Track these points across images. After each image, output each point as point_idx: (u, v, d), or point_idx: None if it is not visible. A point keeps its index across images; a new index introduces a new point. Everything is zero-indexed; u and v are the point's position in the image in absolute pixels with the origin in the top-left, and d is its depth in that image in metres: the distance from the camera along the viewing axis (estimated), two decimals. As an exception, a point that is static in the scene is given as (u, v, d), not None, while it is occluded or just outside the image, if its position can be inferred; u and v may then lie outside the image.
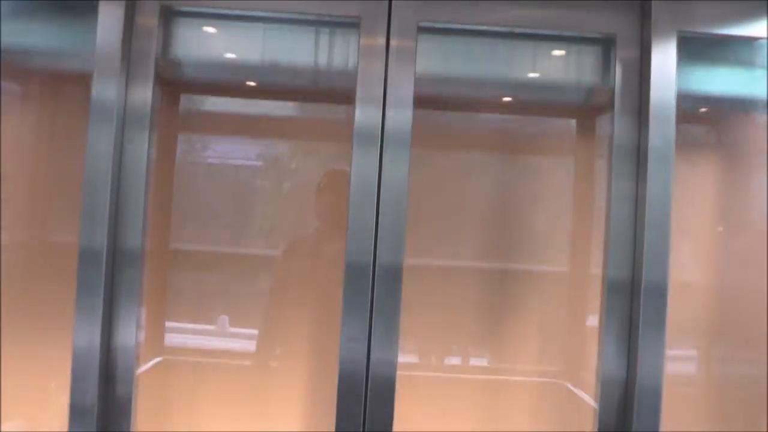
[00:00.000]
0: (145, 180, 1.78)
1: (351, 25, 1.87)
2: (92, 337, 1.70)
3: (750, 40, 1.90)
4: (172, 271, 1.97)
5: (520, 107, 2.05)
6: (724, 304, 1.96)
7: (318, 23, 1.94)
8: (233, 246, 1.99)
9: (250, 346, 1.98)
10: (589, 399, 1.90)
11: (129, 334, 1.76)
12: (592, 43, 1.99)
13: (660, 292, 1.74)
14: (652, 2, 1.79)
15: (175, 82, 2.02)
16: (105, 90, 1.72)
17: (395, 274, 1.75)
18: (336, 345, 1.74)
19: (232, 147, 2.05)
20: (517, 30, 1.92)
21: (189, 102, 2.08)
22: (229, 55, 1.97)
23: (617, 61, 1.84)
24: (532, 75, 2.04)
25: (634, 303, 1.78)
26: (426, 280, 1.95)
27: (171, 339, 1.97)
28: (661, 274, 1.74)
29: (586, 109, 2.09)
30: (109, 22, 1.72)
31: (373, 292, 1.74)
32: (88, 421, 1.69)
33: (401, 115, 1.77)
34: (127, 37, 1.76)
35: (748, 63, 1.95)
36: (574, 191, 2.03)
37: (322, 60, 1.98)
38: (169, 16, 1.89)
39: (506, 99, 2.07)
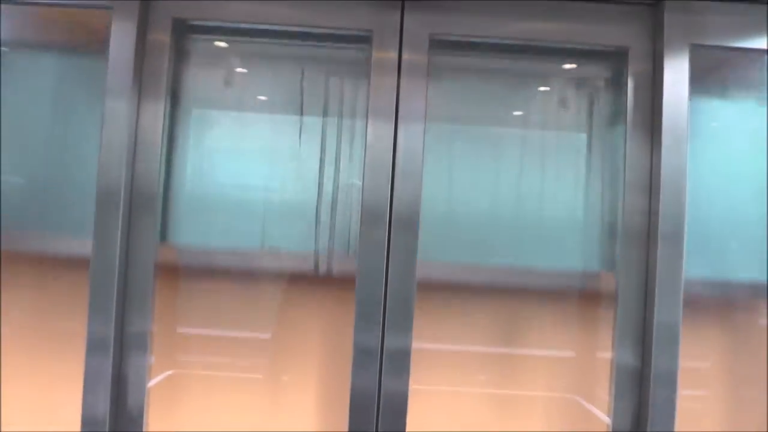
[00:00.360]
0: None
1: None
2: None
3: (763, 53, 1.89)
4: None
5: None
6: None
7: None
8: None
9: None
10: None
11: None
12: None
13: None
14: (665, 15, 1.78)
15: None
16: (117, 107, 1.73)
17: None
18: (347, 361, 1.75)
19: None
20: (531, 44, 1.91)
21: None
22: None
23: (629, 75, 1.83)
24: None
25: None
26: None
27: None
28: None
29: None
30: (121, 39, 1.72)
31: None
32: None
33: (413, 129, 1.77)
34: (140, 54, 1.76)
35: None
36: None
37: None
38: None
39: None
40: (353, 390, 1.74)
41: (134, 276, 1.76)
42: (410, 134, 1.77)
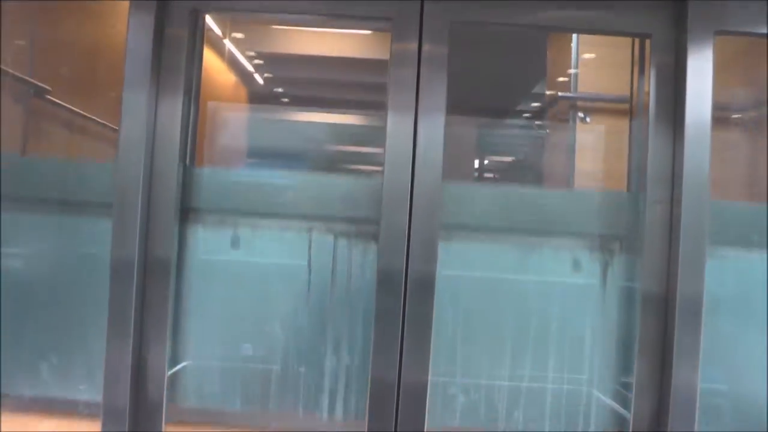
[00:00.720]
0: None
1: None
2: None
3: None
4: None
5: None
6: None
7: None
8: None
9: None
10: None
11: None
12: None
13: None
14: (689, 2, 1.74)
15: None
16: (135, 101, 1.71)
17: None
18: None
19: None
20: (553, 31, 1.88)
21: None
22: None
23: (652, 64, 1.79)
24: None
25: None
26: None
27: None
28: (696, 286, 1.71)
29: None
30: (138, 32, 1.70)
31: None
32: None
33: (434, 120, 1.75)
34: (157, 46, 1.74)
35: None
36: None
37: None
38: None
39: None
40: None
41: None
42: (431, 124, 1.74)
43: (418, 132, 1.75)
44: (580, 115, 2.61)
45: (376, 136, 1.82)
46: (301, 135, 2.27)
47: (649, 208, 1.77)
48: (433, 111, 1.75)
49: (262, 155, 2.38)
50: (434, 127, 1.75)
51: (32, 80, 2.25)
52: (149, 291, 1.76)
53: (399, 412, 1.73)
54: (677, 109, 1.76)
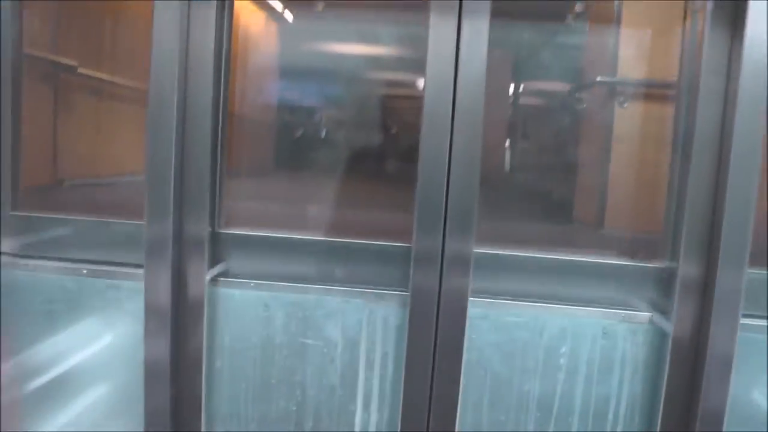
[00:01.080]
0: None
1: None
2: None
3: None
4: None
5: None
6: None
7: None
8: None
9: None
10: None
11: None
12: None
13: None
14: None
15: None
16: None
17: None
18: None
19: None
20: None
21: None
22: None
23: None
24: None
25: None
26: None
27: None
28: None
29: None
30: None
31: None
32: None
33: (477, 24, 1.66)
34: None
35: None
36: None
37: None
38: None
39: None
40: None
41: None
42: (474, 29, 1.66)
43: (462, 37, 1.66)
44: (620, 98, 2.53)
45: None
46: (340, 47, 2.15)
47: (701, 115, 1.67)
48: (477, 14, 1.65)
49: (296, 71, 2.23)
50: (478, 30, 1.65)
51: (59, 59, 2.22)
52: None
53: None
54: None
